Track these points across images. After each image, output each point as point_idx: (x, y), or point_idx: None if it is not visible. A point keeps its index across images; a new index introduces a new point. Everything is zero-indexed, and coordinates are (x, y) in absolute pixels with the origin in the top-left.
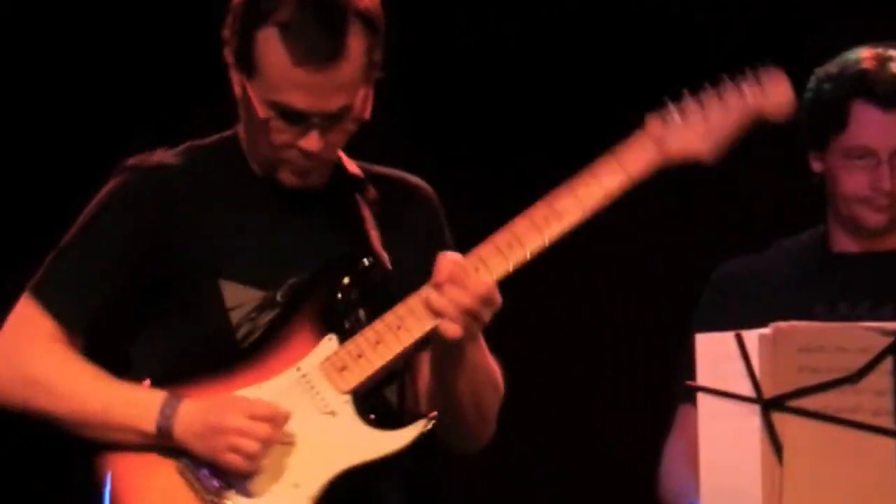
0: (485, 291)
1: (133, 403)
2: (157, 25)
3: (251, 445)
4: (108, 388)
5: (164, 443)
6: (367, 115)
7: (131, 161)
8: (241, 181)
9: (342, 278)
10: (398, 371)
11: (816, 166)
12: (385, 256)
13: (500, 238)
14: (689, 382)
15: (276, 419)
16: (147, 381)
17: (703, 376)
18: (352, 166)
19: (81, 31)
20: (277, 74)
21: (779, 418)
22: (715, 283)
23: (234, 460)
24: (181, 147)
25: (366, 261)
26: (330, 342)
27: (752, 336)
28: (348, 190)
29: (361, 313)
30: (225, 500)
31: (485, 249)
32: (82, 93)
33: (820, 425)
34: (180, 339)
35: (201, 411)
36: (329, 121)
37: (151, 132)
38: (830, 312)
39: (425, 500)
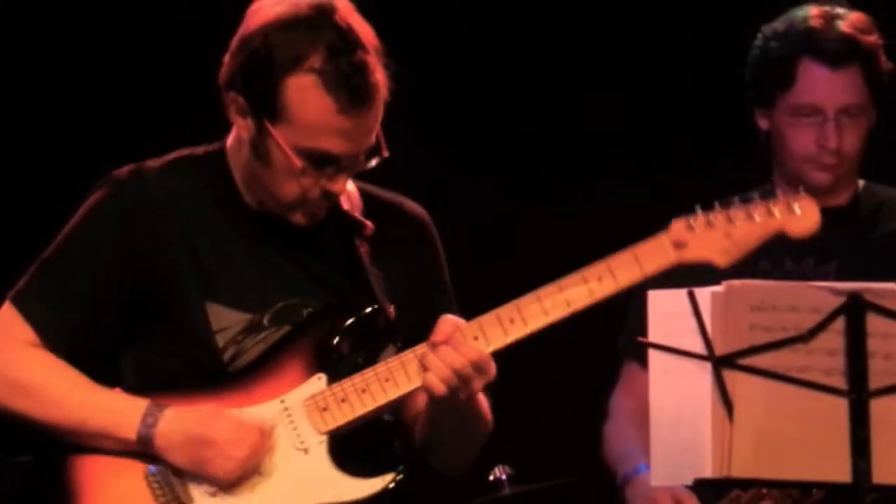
0: (477, 357)
1: (114, 410)
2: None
3: (240, 451)
4: (88, 394)
5: (143, 450)
6: (386, 152)
7: (116, 173)
8: (226, 205)
9: (343, 321)
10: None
11: (763, 124)
12: (389, 306)
13: (504, 312)
14: (641, 339)
15: (264, 430)
16: (118, 389)
17: (655, 332)
18: (344, 199)
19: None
20: (318, 122)
21: (730, 376)
22: None
23: (223, 467)
24: (169, 158)
25: (370, 308)
26: (319, 381)
27: (704, 293)
28: (342, 227)
29: (356, 358)
30: None
31: (487, 319)
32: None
33: (770, 383)
34: (166, 357)
35: (186, 421)
36: (355, 162)
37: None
38: (776, 268)
39: None
